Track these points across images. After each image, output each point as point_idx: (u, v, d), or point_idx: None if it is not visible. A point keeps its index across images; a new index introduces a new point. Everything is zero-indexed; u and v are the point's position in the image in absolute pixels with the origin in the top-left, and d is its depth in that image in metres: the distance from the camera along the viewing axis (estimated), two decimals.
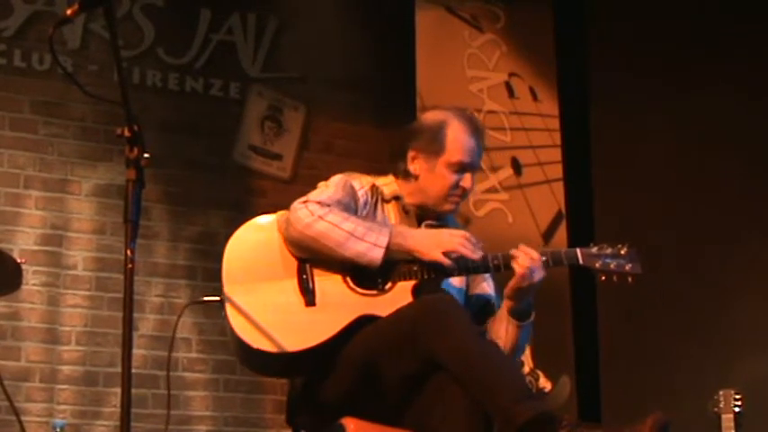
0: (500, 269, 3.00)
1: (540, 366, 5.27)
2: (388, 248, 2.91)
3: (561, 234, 5.64)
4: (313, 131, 5.79)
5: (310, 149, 5.76)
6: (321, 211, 2.94)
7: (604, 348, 5.69)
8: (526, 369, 5.15)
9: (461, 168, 3.11)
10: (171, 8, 5.54)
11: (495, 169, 5.78)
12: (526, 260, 2.94)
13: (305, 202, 2.98)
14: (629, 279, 3.05)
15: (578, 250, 3.06)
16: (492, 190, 5.75)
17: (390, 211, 3.15)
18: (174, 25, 5.56)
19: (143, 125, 2.41)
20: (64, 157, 5.24)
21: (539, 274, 2.95)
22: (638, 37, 5.76)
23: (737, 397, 3.72)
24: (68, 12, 2.42)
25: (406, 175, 3.16)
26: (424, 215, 3.17)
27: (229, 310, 2.92)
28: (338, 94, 5.81)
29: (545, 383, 5.08)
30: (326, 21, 5.82)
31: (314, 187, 3.14)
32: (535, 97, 5.94)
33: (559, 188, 5.82)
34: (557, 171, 5.84)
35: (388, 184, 3.20)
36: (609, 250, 3.06)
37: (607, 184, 5.81)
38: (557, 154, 5.87)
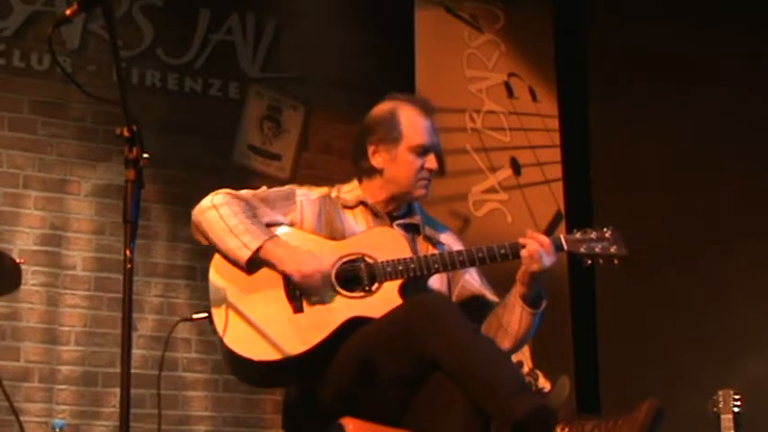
0: (508, 257, 3.00)
1: (540, 366, 5.27)
2: (257, 253, 2.90)
3: (560, 234, 5.64)
4: (312, 132, 5.79)
5: (309, 150, 5.76)
6: (220, 201, 2.99)
7: (603, 348, 5.70)
8: (525, 369, 5.15)
9: (423, 150, 3.11)
10: (170, 8, 5.54)
11: (494, 169, 5.78)
12: (535, 244, 2.95)
13: (217, 192, 3.03)
14: (615, 261, 3.03)
15: (562, 236, 3.05)
16: (491, 190, 5.76)
17: (359, 216, 3.14)
18: (174, 25, 5.55)
19: (142, 125, 2.41)
20: (63, 157, 5.24)
21: (548, 259, 2.95)
22: (638, 37, 5.76)
23: (737, 397, 3.72)
24: (67, 12, 2.42)
25: (370, 173, 3.15)
26: (395, 212, 3.16)
27: (219, 324, 2.92)
28: (337, 94, 5.80)
29: (544, 383, 5.08)
30: (326, 21, 5.82)
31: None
32: (534, 97, 5.94)
33: (558, 188, 5.82)
34: (556, 171, 5.84)
35: (351, 190, 3.19)
36: (593, 234, 3.05)
37: (607, 184, 5.81)
38: (556, 154, 5.88)
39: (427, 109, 3.18)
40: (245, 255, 2.91)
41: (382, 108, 3.20)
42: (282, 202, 3.10)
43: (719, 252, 5.38)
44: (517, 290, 3.02)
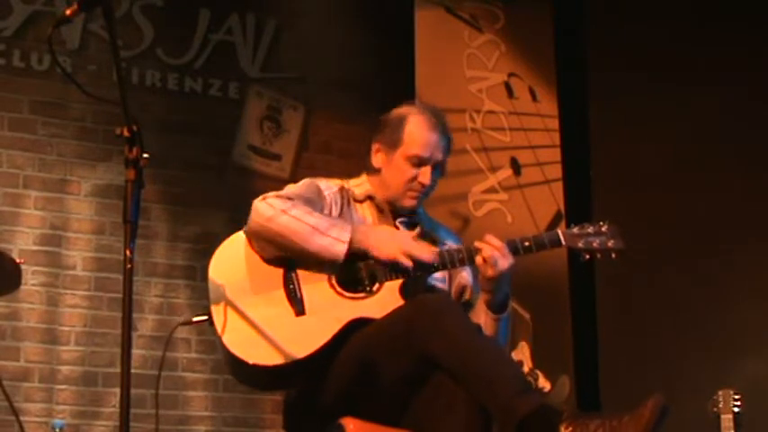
0: (465, 263, 3.01)
1: (540, 366, 5.28)
2: (350, 244, 2.91)
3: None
4: (312, 132, 5.79)
5: (309, 150, 5.76)
6: (284, 205, 2.94)
7: (604, 348, 5.69)
8: (525, 369, 5.15)
9: (419, 162, 3.09)
10: (170, 8, 5.54)
11: (494, 169, 5.78)
12: (488, 250, 2.94)
13: (264, 198, 2.99)
14: (613, 255, 3.04)
15: (560, 231, 3.05)
16: (491, 190, 5.75)
17: (365, 211, 3.15)
18: (174, 25, 5.55)
19: (142, 125, 2.41)
20: (63, 157, 5.24)
21: (503, 263, 2.93)
22: (638, 37, 5.76)
23: (736, 397, 3.72)
24: (67, 12, 2.41)
25: (373, 170, 3.17)
26: (398, 212, 3.16)
27: (219, 327, 2.91)
28: (337, 94, 5.80)
29: (544, 383, 5.09)
30: (325, 21, 5.82)
31: None
32: (534, 97, 5.94)
33: (558, 188, 5.82)
34: (556, 171, 5.84)
35: (360, 184, 3.20)
36: (590, 229, 3.05)
37: (607, 184, 5.81)
38: (556, 154, 5.87)
39: (438, 124, 3.14)
40: (341, 249, 2.89)
41: (397, 111, 3.20)
42: (316, 198, 3.09)
43: (719, 252, 5.38)
44: (482, 296, 3.03)
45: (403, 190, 3.11)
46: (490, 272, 2.93)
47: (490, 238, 2.98)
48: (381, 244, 2.93)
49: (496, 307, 3.01)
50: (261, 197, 3.00)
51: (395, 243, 2.94)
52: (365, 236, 2.94)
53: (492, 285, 2.97)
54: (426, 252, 2.96)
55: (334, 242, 2.90)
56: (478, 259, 2.95)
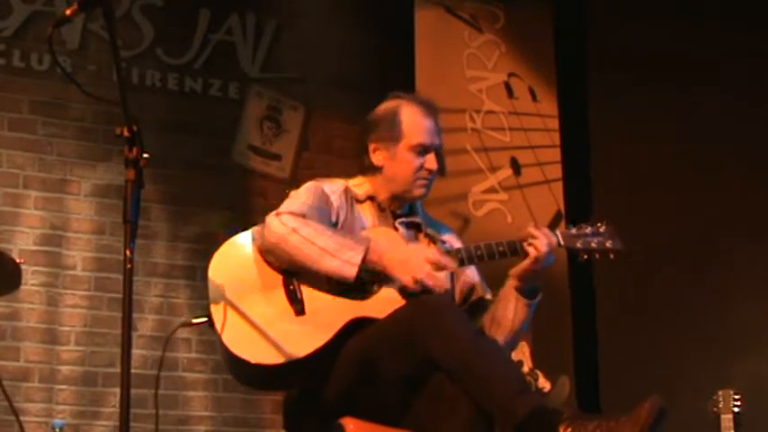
0: (506, 255, 3.01)
1: (540, 366, 5.27)
2: (362, 265, 2.88)
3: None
4: (312, 132, 5.79)
5: (309, 149, 5.76)
6: (295, 224, 2.92)
7: (604, 348, 5.70)
8: (525, 369, 5.15)
9: (423, 150, 3.12)
10: (170, 8, 5.54)
11: (494, 169, 5.78)
12: (544, 244, 2.96)
13: (278, 214, 2.96)
14: (612, 256, 3.06)
15: (558, 232, 3.07)
16: (491, 190, 5.75)
17: (366, 211, 3.15)
18: (174, 25, 5.56)
19: (142, 125, 2.41)
20: (63, 157, 5.24)
21: (552, 258, 2.98)
22: (638, 37, 5.76)
23: (736, 397, 3.72)
24: (67, 12, 2.42)
25: (372, 170, 3.16)
26: (398, 211, 3.17)
27: (219, 326, 2.91)
28: (337, 94, 5.80)
29: (544, 383, 5.08)
30: (326, 21, 5.82)
31: None
32: (534, 97, 5.94)
33: (558, 188, 5.82)
34: (556, 171, 5.84)
35: (359, 184, 3.20)
36: (588, 229, 3.08)
37: (606, 184, 5.81)
38: (556, 154, 5.87)
39: (430, 109, 3.18)
40: (352, 272, 2.87)
41: (385, 106, 3.21)
42: (324, 206, 3.07)
43: (719, 252, 5.38)
44: (512, 284, 3.04)
45: (412, 180, 3.12)
46: (538, 266, 2.97)
47: (546, 231, 3.01)
48: (395, 269, 2.90)
49: (530, 292, 3.04)
50: (275, 212, 2.97)
51: (407, 269, 2.90)
52: (379, 257, 2.91)
53: (531, 276, 3.00)
54: (447, 260, 2.96)
55: (344, 265, 2.87)
56: (531, 250, 2.96)
